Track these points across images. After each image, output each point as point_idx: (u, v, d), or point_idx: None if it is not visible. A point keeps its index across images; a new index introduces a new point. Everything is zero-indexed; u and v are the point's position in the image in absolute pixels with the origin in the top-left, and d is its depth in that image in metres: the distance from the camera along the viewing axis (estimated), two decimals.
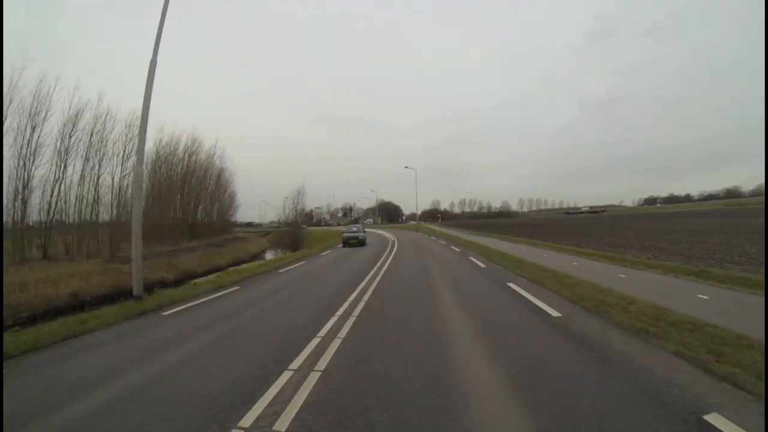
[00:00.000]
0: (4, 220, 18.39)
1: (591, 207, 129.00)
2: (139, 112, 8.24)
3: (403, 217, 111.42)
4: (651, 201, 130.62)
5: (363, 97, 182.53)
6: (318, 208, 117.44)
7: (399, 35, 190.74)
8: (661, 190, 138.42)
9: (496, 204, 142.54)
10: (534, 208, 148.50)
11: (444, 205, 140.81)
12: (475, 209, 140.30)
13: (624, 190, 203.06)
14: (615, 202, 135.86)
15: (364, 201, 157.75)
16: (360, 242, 23.66)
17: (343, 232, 26.74)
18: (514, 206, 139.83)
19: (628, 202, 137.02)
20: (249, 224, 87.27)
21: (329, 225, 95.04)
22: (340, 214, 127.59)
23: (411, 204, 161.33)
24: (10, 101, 18.74)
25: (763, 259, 10.06)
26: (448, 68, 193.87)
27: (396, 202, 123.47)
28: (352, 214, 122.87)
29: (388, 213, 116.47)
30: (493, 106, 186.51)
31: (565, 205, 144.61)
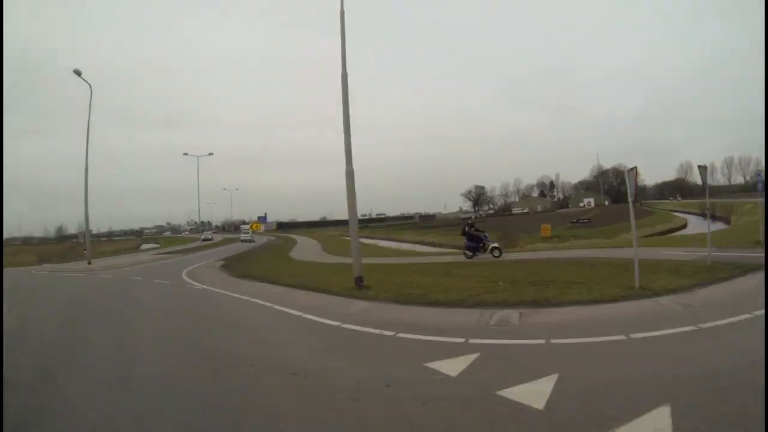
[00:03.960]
0: None
1: None
2: None
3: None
4: None
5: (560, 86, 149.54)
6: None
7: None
8: None
9: None
10: None
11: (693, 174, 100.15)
12: (746, 177, 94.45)
13: None
14: None
15: (570, 174, 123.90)
16: None
17: None
18: None
19: None
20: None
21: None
22: (535, 194, 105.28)
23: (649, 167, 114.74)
24: None
25: None
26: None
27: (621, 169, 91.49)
28: (555, 192, 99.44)
29: (611, 189, 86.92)
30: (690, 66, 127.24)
31: None
